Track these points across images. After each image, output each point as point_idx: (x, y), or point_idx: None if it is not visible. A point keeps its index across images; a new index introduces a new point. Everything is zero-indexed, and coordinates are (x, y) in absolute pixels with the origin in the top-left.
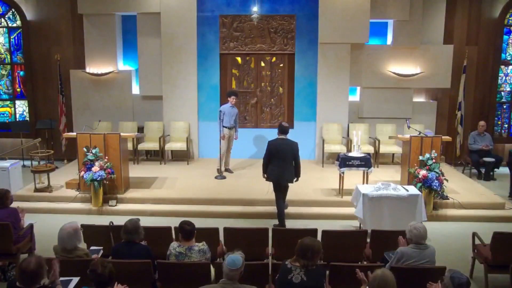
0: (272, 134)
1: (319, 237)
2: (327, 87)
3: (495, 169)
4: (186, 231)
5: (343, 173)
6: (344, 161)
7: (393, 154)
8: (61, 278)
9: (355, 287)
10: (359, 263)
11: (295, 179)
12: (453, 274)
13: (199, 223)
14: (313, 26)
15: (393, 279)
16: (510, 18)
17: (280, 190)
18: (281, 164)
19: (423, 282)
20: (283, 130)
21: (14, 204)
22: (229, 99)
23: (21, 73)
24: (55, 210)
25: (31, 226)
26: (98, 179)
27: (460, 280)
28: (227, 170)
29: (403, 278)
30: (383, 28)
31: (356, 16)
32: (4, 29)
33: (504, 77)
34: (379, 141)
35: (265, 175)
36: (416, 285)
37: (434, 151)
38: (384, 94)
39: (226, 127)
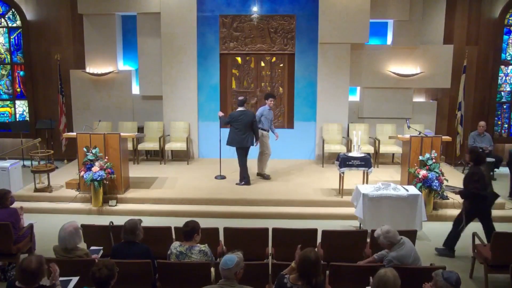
0: (272, 134)
1: (319, 237)
2: (327, 87)
3: (495, 169)
4: (185, 232)
5: (343, 173)
6: (344, 161)
7: (393, 154)
8: (61, 278)
9: (355, 287)
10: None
11: (256, 142)
12: (445, 275)
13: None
14: (313, 26)
15: (396, 279)
16: (510, 18)
17: (243, 153)
18: (242, 131)
19: (422, 282)
20: (240, 103)
21: (14, 204)
22: (266, 101)
23: (21, 73)
24: (55, 210)
25: (31, 226)
26: (98, 179)
27: (454, 277)
28: (260, 174)
29: (402, 278)
30: (383, 28)
31: (356, 16)
32: (4, 29)
33: (504, 77)
34: (379, 141)
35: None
36: (415, 285)
37: (434, 151)
38: (384, 94)
39: (266, 130)
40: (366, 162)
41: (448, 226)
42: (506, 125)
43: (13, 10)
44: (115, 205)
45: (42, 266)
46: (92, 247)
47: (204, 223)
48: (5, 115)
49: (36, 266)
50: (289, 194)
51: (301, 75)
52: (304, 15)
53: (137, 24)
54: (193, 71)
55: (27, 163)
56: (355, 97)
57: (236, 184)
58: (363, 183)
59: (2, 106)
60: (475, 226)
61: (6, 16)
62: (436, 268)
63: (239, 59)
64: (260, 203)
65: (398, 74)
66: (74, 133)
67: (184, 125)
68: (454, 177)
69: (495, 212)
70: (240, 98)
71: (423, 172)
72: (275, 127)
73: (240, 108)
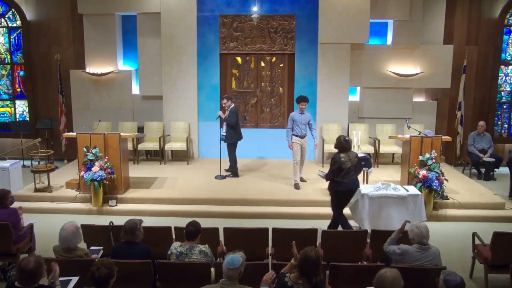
0: (272, 134)
1: (319, 237)
2: (327, 87)
3: (495, 169)
4: (189, 232)
5: None
6: None
7: (393, 154)
8: (61, 278)
9: (355, 287)
10: (359, 263)
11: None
12: (447, 277)
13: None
14: (313, 26)
15: (399, 277)
16: (510, 18)
17: (234, 147)
18: (235, 126)
19: (422, 282)
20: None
21: (14, 204)
22: (298, 105)
23: (21, 73)
24: (55, 210)
25: (31, 226)
26: (98, 179)
27: (455, 282)
28: (300, 179)
29: (402, 278)
30: (383, 28)
31: (356, 16)
32: (4, 29)
33: (504, 77)
34: (379, 141)
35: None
36: (415, 285)
37: (434, 151)
38: (384, 94)
39: (297, 135)
40: (366, 162)
41: (448, 226)
42: (506, 125)
43: (13, 10)
44: (115, 205)
45: (40, 266)
46: (92, 247)
47: (204, 223)
48: (5, 115)
49: (34, 266)
50: (289, 194)
51: (301, 75)
52: (304, 15)
53: (137, 24)
54: (193, 71)
55: (27, 163)
56: (355, 97)
57: (225, 170)
58: (363, 183)
59: (2, 106)
60: (475, 226)
61: (6, 16)
62: (437, 269)
63: (239, 59)
64: (260, 203)
65: (398, 74)
66: (74, 133)
67: (184, 125)
68: (454, 177)
69: (495, 212)
70: (226, 96)
71: (423, 172)
72: (275, 127)
73: (232, 105)
